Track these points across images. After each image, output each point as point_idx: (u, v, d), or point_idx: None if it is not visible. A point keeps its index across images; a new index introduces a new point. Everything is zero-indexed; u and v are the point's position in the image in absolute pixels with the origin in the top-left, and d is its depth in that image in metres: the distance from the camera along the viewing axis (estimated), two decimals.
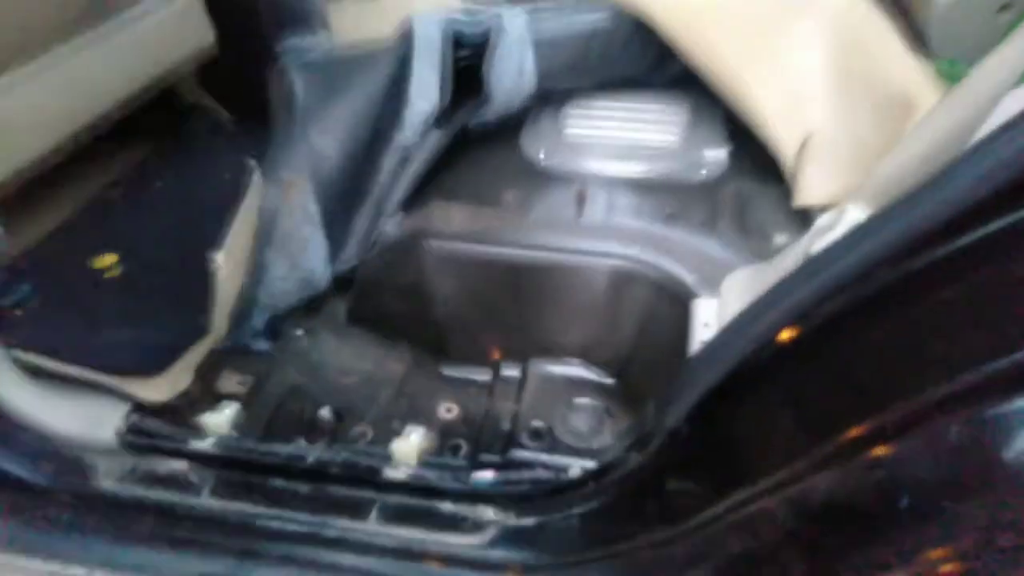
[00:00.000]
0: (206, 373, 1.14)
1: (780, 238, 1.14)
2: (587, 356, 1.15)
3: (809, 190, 1.14)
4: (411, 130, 1.25)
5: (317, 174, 1.18)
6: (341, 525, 0.96)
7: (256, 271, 1.12)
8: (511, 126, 1.39)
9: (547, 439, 1.04)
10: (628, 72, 1.44)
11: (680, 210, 1.18)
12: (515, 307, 1.15)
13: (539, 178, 1.27)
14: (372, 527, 0.95)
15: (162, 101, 1.65)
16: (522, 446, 1.03)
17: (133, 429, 1.05)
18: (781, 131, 1.17)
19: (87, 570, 0.96)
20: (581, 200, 1.20)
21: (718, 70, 1.23)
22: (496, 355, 1.18)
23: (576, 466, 0.97)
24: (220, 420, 1.05)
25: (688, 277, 1.05)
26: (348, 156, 1.22)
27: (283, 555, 0.94)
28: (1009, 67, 0.74)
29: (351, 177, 1.23)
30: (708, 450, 0.79)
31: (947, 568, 0.57)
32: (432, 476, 0.98)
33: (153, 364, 1.08)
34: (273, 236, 1.13)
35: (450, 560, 0.92)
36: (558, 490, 0.92)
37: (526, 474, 0.97)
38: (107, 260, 1.32)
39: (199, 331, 1.10)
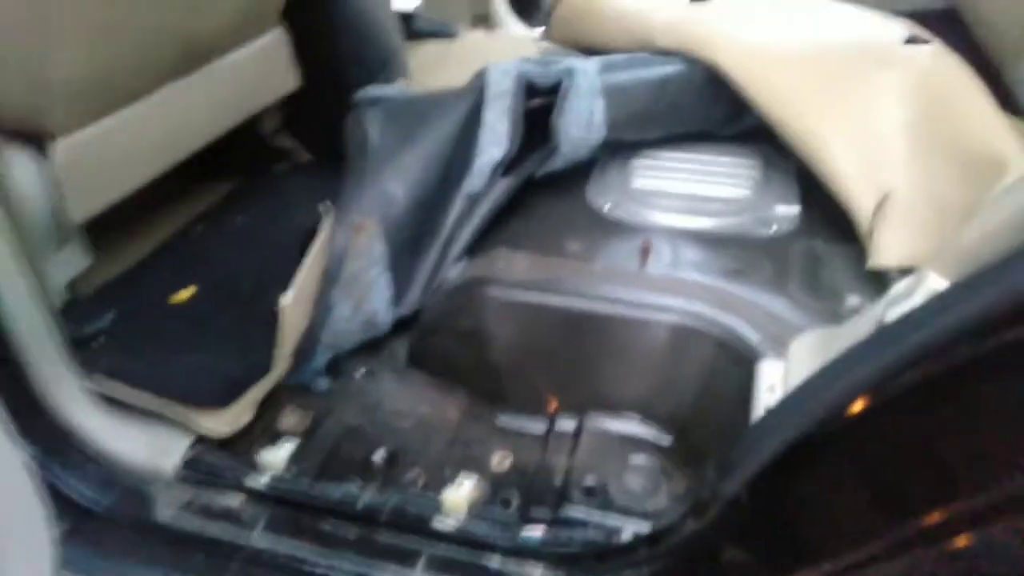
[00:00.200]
0: (268, 409, 1.16)
1: (853, 299, 1.09)
2: (645, 413, 1.11)
3: (886, 251, 1.09)
4: (480, 177, 1.27)
5: (386, 218, 1.20)
6: (389, 572, 0.95)
7: (321, 311, 1.14)
8: (579, 176, 1.39)
9: (600, 497, 1.01)
10: (699, 124, 1.42)
11: (747, 266, 1.15)
12: (573, 358, 1.13)
13: (604, 229, 1.26)
14: None
15: (249, 143, 1.73)
16: (574, 503, 1.00)
17: (194, 461, 1.07)
18: (857, 188, 1.13)
19: None
20: (645, 252, 1.18)
21: (791, 122, 1.20)
22: (553, 406, 1.16)
23: (629, 529, 0.93)
24: (277, 458, 1.07)
25: (753, 336, 1.01)
26: (417, 201, 1.24)
27: None
28: None
29: (419, 222, 1.25)
30: (769, 523, 0.74)
31: None
32: (481, 529, 0.96)
33: (219, 397, 1.10)
34: (340, 277, 1.15)
35: None
36: (608, 553, 0.89)
37: (577, 534, 0.94)
38: (185, 294, 1.37)
39: (264, 368, 1.12)
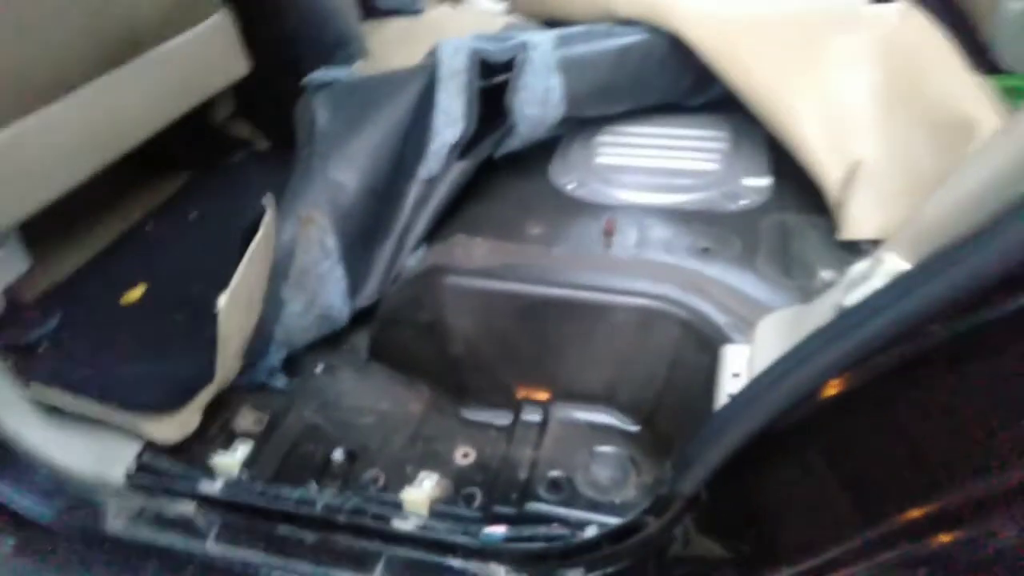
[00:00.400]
0: (222, 411, 1.11)
1: (826, 274, 1.04)
2: (612, 400, 1.07)
3: (857, 222, 1.04)
4: (435, 161, 1.22)
5: (336, 208, 1.15)
6: None
7: (272, 308, 1.10)
8: (541, 155, 1.34)
9: (566, 491, 0.97)
10: (664, 95, 1.37)
11: (716, 244, 1.10)
12: (537, 347, 1.09)
13: (568, 210, 1.21)
14: None
15: (201, 133, 1.66)
16: (539, 498, 0.96)
17: (143, 469, 1.03)
18: (825, 157, 1.08)
19: None
20: (609, 233, 1.13)
21: (756, 91, 1.15)
22: (517, 397, 1.12)
23: (594, 523, 0.90)
24: (231, 461, 1.03)
25: (720, 318, 0.97)
26: (369, 189, 1.19)
27: None
28: None
29: (372, 211, 1.19)
30: (733, 521, 0.71)
31: None
32: (442, 529, 0.92)
33: (166, 401, 1.06)
34: (290, 272, 1.10)
35: None
36: (571, 551, 0.85)
37: (540, 530, 0.90)
38: (136, 293, 1.32)
39: (211, 372, 1.08)
